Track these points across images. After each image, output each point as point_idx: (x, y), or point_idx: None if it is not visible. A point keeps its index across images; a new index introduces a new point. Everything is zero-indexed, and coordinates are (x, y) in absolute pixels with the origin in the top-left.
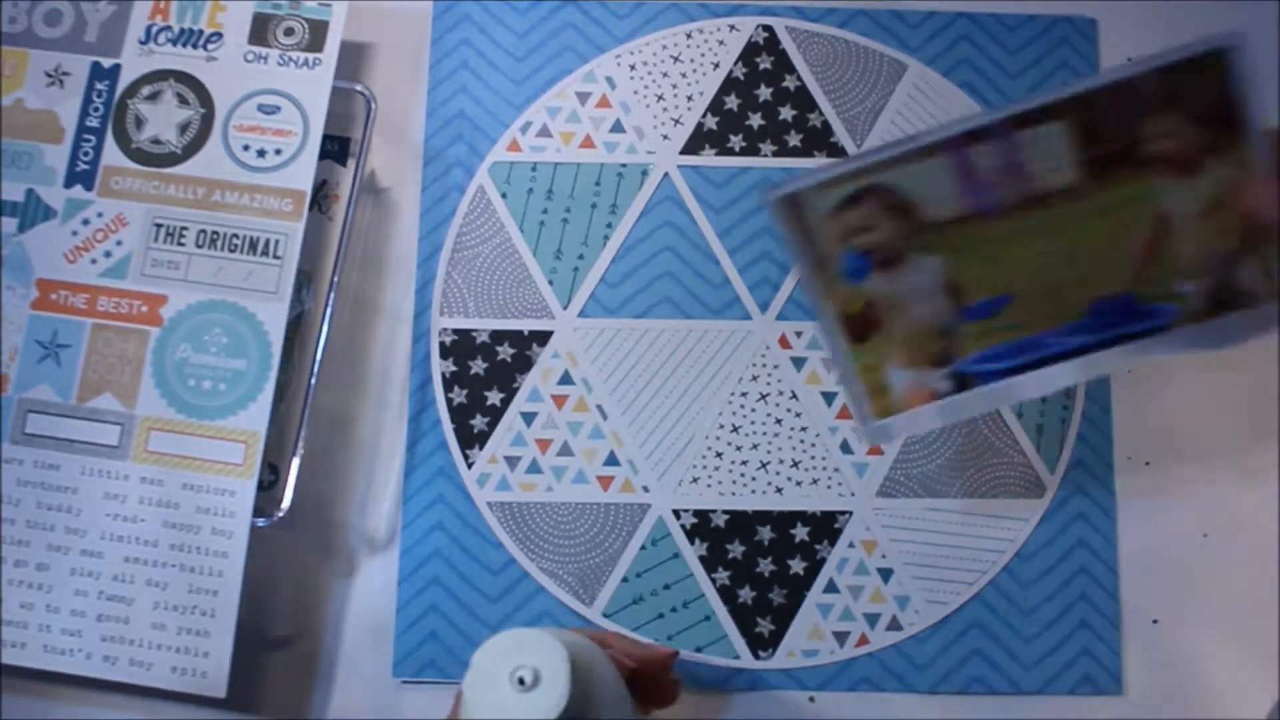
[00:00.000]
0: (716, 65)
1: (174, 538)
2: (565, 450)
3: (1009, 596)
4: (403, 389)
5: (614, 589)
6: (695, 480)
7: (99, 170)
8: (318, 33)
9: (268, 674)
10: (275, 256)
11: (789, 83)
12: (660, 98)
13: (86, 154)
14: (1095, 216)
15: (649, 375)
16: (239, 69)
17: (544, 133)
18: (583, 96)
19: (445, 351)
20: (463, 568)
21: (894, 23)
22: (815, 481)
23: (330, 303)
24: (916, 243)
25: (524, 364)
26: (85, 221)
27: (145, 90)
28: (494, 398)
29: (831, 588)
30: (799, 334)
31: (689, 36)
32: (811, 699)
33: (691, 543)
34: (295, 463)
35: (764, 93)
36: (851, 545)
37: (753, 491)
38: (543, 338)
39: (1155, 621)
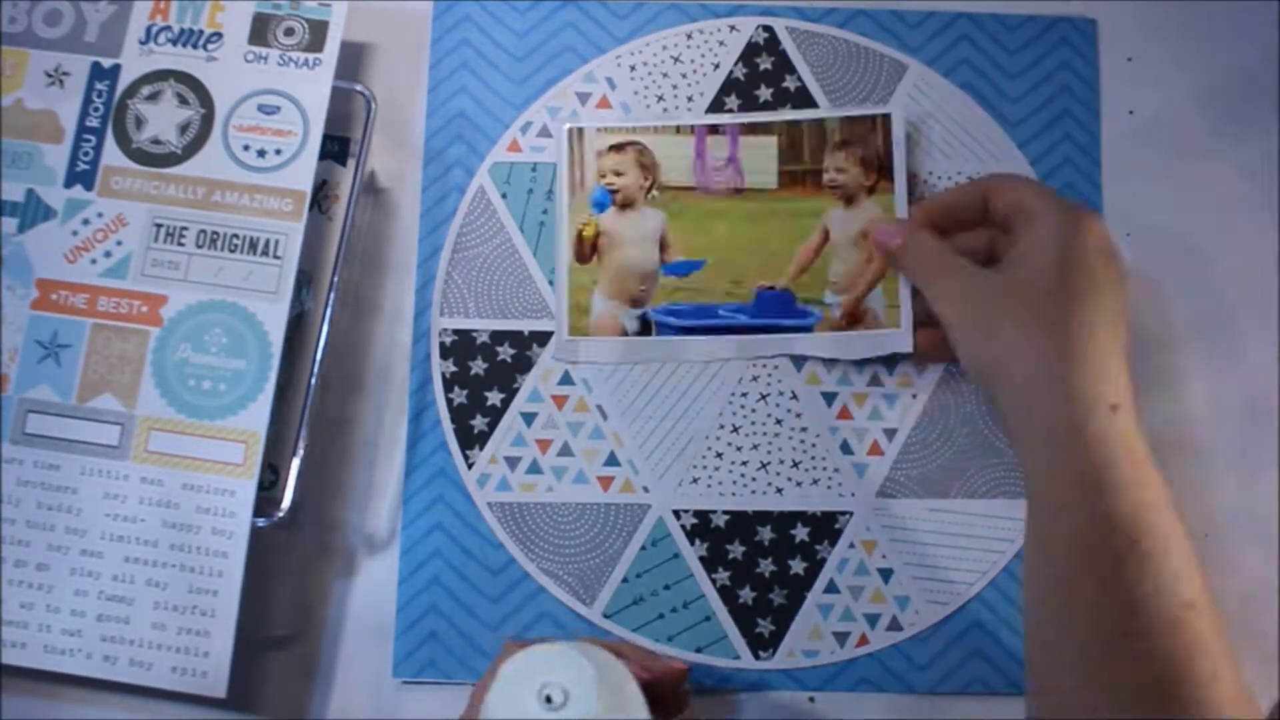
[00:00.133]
0: (717, 66)
1: (174, 538)
2: (565, 450)
3: (1009, 596)
4: (403, 389)
5: (614, 589)
6: (695, 480)
7: (99, 170)
8: (318, 33)
9: (268, 674)
10: (275, 256)
11: (789, 83)
12: (660, 98)
13: (86, 154)
14: (779, 218)
15: (649, 375)
16: (239, 69)
17: (544, 133)
18: (583, 97)
19: (445, 352)
20: (463, 568)
21: (894, 23)
22: (815, 482)
23: (330, 303)
24: (650, 197)
25: (524, 364)
26: (85, 221)
27: (145, 90)
28: (494, 398)
29: (832, 588)
30: None
31: (689, 37)
32: (812, 699)
33: (692, 543)
34: (295, 463)
35: (764, 93)
36: (852, 546)
37: (753, 492)
38: (543, 338)
39: None
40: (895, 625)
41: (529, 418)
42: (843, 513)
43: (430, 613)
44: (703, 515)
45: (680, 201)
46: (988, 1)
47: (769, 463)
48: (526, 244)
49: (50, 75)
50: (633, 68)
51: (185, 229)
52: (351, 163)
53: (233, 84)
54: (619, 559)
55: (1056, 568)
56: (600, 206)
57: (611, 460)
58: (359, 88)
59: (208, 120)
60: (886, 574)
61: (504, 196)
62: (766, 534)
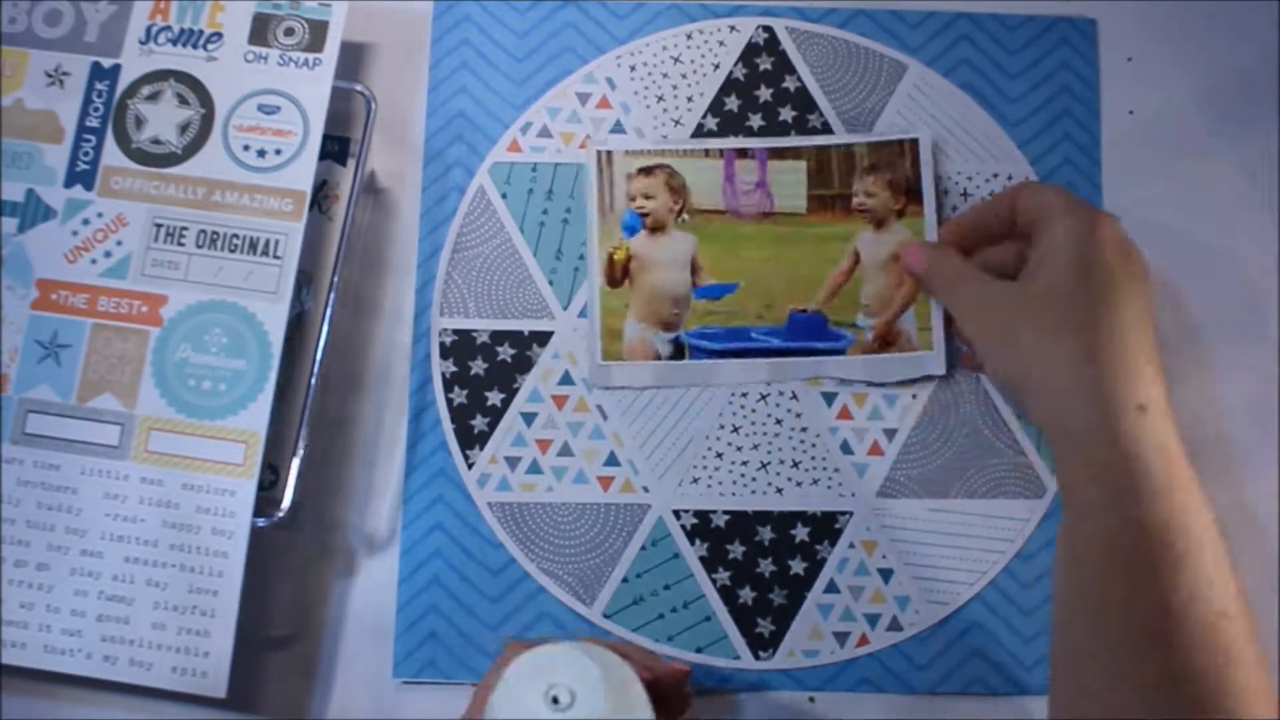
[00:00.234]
0: (717, 66)
1: (174, 538)
2: (565, 450)
3: (1009, 596)
4: (403, 389)
5: (614, 589)
6: (695, 480)
7: (99, 170)
8: (318, 33)
9: (268, 674)
10: (275, 256)
11: (789, 83)
12: (660, 98)
13: (86, 154)
14: (810, 242)
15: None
16: (239, 69)
17: (544, 133)
18: (583, 97)
19: (445, 352)
20: (463, 568)
21: (894, 23)
22: (815, 482)
23: (330, 303)
24: (680, 220)
25: (524, 364)
26: (85, 221)
27: (145, 90)
28: (494, 398)
29: (832, 588)
30: None
31: (689, 37)
32: (812, 699)
33: (692, 543)
34: (295, 463)
35: (764, 93)
36: (852, 546)
37: (753, 492)
38: (543, 338)
39: None
40: (895, 625)
41: (529, 418)
42: (843, 513)
43: (430, 613)
44: (703, 515)
45: (711, 225)
46: (988, 1)
47: (769, 463)
48: (526, 244)
49: (50, 75)
50: (633, 68)
51: (185, 229)
52: (351, 163)
53: (233, 84)
54: (619, 559)
55: (1088, 569)
56: (630, 230)
57: (611, 460)
58: (359, 88)
59: (208, 120)
60: (886, 574)
61: (504, 196)
62: (766, 534)
